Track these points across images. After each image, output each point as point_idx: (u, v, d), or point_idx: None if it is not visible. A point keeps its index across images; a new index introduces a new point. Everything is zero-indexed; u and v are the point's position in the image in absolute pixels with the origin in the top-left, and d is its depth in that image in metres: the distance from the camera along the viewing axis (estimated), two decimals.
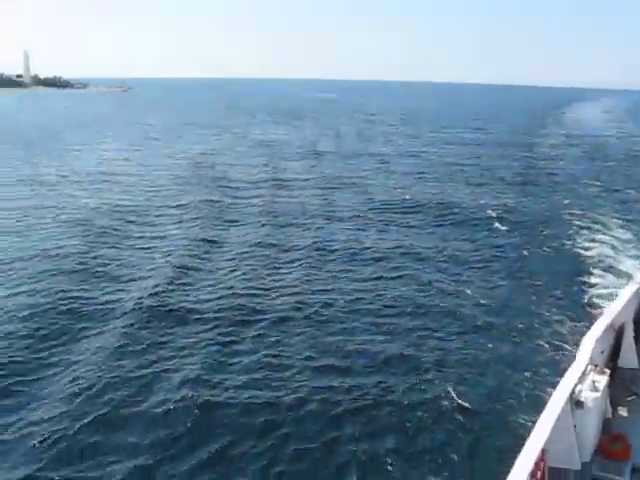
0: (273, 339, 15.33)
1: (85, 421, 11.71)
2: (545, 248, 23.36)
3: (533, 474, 4.95)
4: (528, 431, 5.52)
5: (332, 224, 27.10)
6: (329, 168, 43.00)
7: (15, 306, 16.96)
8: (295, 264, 21.26)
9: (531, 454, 5.02)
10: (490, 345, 15.10)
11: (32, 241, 23.72)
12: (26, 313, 16.48)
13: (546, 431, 5.34)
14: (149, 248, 23.13)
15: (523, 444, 5.23)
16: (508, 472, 4.98)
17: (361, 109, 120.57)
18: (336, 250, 22.95)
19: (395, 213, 29.27)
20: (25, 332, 15.40)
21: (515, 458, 5.09)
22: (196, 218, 27.44)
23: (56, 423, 11.61)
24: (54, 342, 14.99)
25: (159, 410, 12.13)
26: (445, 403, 12.47)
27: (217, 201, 31.29)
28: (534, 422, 5.39)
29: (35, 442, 11.03)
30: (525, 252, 22.90)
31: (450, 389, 12.92)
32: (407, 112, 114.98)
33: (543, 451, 5.24)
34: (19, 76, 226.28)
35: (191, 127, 76.78)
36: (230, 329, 15.87)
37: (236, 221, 27.40)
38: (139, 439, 11.28)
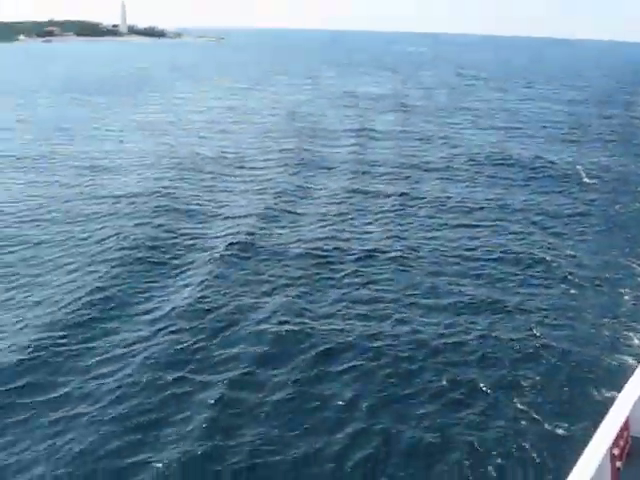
0: (365, 277, 16.50)
1: (195, 336, 13.32)
2: (637, 204, 23.41)
3: (615, 442, 4.89)
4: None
5: (422, 175, 27.89)
6: (420, 121, 43.37)
7: (143, 235, 19.18)
8: (387, 211, 22.38)
9: (614, 422, 4.91)
10: (574, 292, 15.75)
11: (151, 180, 26.15)
12: (150, 244, 18.57)
13: (631, 400, 5.20)
14: (252, 191, 24.83)
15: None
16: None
17: (452, 63, 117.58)
18: (427, 199, 23.80)
19: (486, 166, 29.58)
20: (155, 259, 17.51)
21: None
22: (297, 164, 28.90)
23: (171, 336, 13.31)
24: (173, 271, 16.90)
25: (260, 329, 13.55)
26: (531, 342, 13.19)
27: (313, 150, 32.60)
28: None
29: (155, 352, 12.68)
30: (617, 207, 23.11)
31: (535, 330, 13.67)
32: (500, 67, 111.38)
33: (627, 420, 5.15)
34: (115, 26, 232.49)
35: (285, 77, 77.99)
36: (325, 267, 17.17)
37: (331, 168, 28.70)
38: (237, 353, 12.70)
